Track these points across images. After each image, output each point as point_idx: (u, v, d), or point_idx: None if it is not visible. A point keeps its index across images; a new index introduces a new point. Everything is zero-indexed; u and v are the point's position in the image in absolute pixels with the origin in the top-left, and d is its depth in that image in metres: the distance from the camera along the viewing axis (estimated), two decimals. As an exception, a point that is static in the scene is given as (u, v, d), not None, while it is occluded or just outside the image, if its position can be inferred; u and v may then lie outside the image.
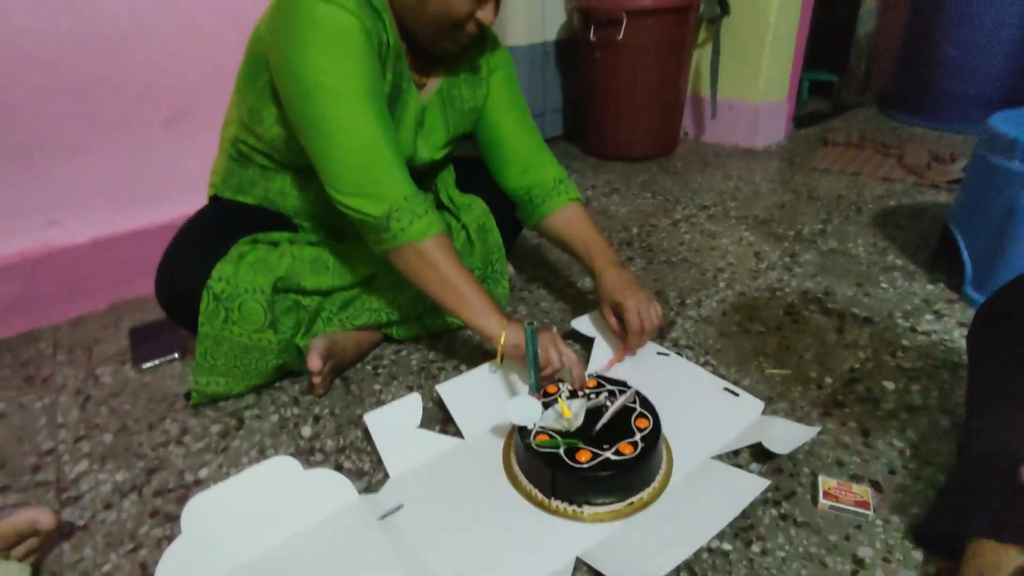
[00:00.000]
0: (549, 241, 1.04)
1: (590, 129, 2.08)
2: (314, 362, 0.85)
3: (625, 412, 0.74)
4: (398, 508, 0.69)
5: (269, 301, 0.86)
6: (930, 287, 1.12)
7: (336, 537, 0.66)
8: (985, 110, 2.00)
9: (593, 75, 1.95)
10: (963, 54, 2.10)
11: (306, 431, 0.84)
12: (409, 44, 0.87)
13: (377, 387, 0.93)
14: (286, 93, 0.79)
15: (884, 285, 1.14)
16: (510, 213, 1.09)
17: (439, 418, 0.84)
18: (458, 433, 0.80)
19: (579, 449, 0.68)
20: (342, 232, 1.00)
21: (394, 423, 0.79)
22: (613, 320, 0.91)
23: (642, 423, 0.72)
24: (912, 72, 2.32)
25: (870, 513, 0.65)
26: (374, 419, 0.78)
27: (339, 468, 0.76)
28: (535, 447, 0.69)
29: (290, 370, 0.93)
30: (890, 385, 0.86)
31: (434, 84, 0.94)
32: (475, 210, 1.06)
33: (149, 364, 1.01)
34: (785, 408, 0.83)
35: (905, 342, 0.96)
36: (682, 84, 2.00)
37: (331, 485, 0.70)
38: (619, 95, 1.92)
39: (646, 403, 0.75)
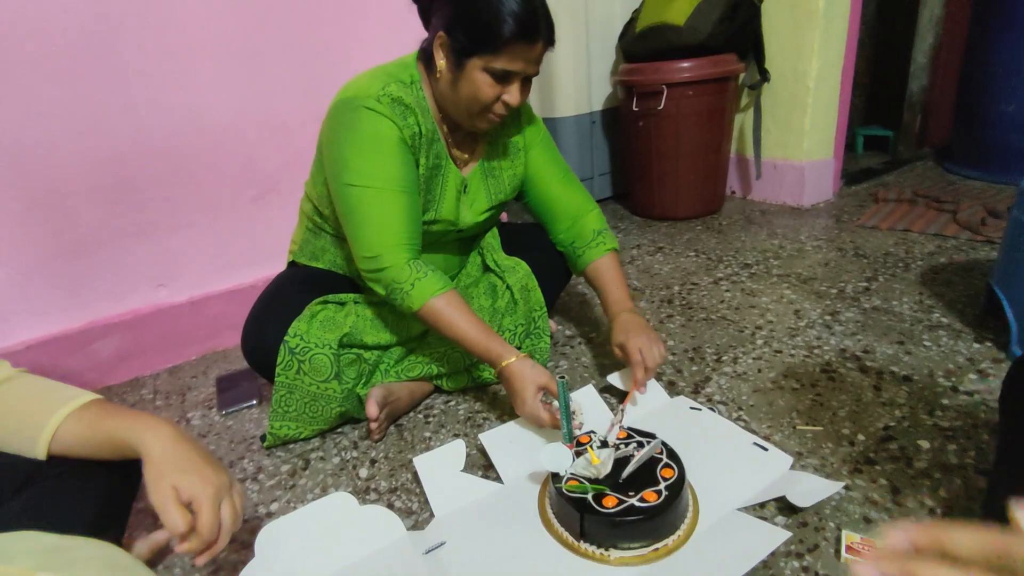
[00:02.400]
0: (590, 287, 1.14)
1: (636, 191, 2.18)
2: (372, 410, 0.96)
3: (651, 462, 0.79)
4: (441, 544, 0.76)
5: (335, 355, 0.98)
6: (976, 346, 1.11)
7: (386, 567, 0.73)
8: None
9: (637, 142, 2.06)
10: (1017, 108, 2.08)
11: (363, 472, 0.93)
12: (450, 127, 1.01)
13: (427, 434, 1.02)
14: (329, 187, 0.95)
15: (928, 343, 1.14)
16: (553, 272, 1.19)
17: (481, 464, 0.92)
18: (498, 479, 0.87)
19: (606, 495, 0.74)
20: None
21: (440, 467, 0.87)
22: (620, 355, 1.00)
23: (667, 473, 0.77)
24: (967, 126, 2.30)
25: (892, 568, 0.66)
26: (422, 463, 0.87)
27: (390, 506, 0.85)
28: (566, 492, 0.75)
29: (351, 417, 1.04)
30: (925, 444, 0.87)
31: (476, 159, 1.07)
32: (519, 272, 1.16)
33: (231, 409, 1.15)
34: (815, 464, 0.85)
35: (945, 401, 0.96)
36: (724, 147, 2.07)
37: (383, 520, 0.78)
38: (662, 159, 2.02)
39: (672, 454, 0.80)
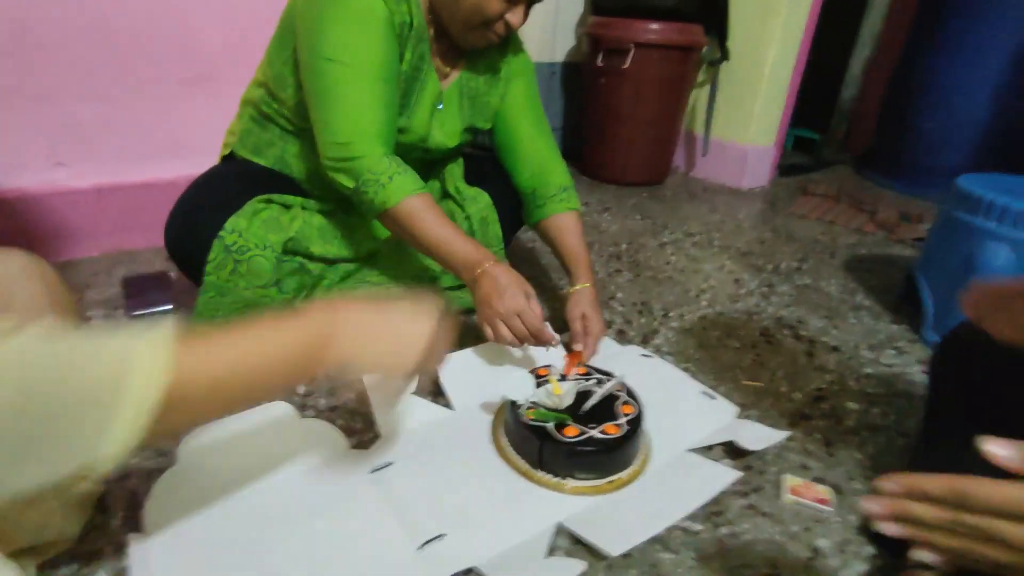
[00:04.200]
0: (542, 240, 1.08)
1: (588, 151, 2.16)
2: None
3: (611, 399, 0.78)
4: (388, 464, 0.71)
5: (277, 259, 0.88)
6: (893, 327, 1.20)
7: (327, 482, 0.67)
8: (951, 180, 2.15)
9: (596, 100, 2.03)
10: (935, 127, 2.26)
11: (300, 388, 0.85)
12: (437, 32, 0.92)
13: (370, 357, 0.95)
14: (301, 61, 0.84)
15: (852, 320, 1.22)
16: (512, 210, 1.14)
17: (430, 391, 0.87)
18: (448, 406, 0.83)
19: (567, 425, 0.72)
20: (349, 205, 1.03)
21: (388, 388, 0.81)
22: (578, 325, 0.93)
23: (627, 409, 0.76)
24: (888, 138, 2.48)
25: (830, 509, 0.70)
26: (369, 381, 0.81)
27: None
28: (525, 419, 0.73)
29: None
30: (853, 405, 0.93)
31: (455, 75, 0.99)
32: (479, 203, 1.11)
33: (142, 312, 1.01)
34: (757, 416, 0.88)
35: (868, 370, 1.03)
36: (679, 119, 2.10)
37: (325, 435, 0.72)
38: (619, 121, 2.01)
39: (631, 393, 0.80)
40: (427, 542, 0.61)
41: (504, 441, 0.76)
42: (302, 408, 0.81)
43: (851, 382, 0.99)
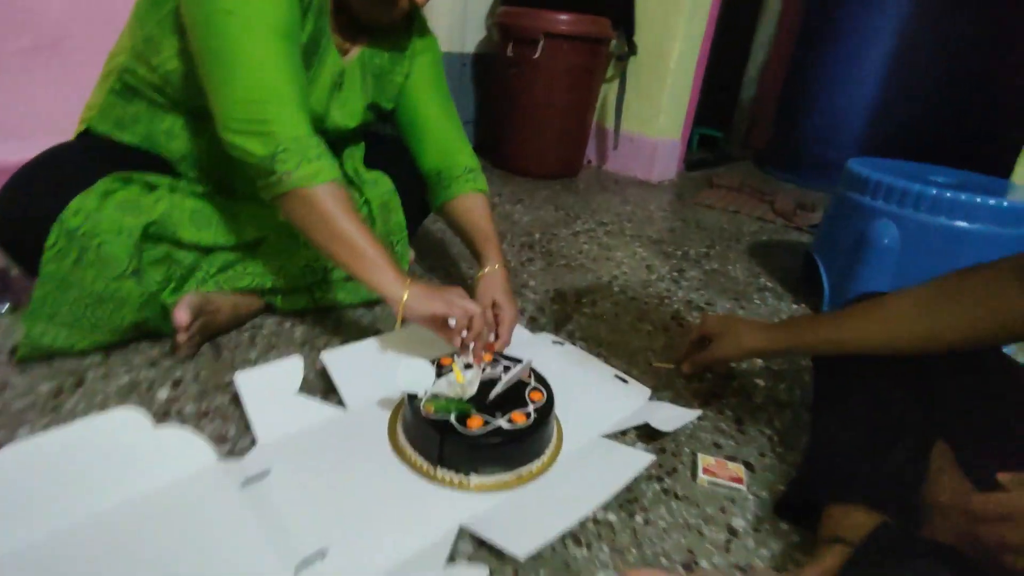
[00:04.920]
0: (448, 225, 1.02)
1: (500, 143, 2.12)
2: (181, 315, 0.76)
3: (519, 386, 0.72)
4: (264, 473, 0.62)
5: (136, 247, 0.76)
6: (795, 306, 1.24)
7: (186, 502, 0.57)
8: (840, 172, 2.28)
9: (507, 91, 1.99)
10: (825, 124, 2.41)
11: (162, 394, 0.73)
12: (337, 5, 0.83)
13: (253, 355, 0.84)
14: (191, 18, 0.72)
15: (757, 301, 1.24)
16: (417, 196, 1.06)
17: (320, 388, 0.78)
18: (340, 404, 0.74)
19: (470, 416, 0.66)
20: (232, 188, 0.92)
21: (269, 386, 0.72)
22: (490, 314, 0.86)
23: (536, 396, 0.71)
24: (783, 135, 2.62)
25: (743, 488, 0.68)
26: (246, 379, 0.70)
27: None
28: (424, 412, 0.65)
29: (150, 330, 0.82)
30: (760, 382, 0.93)
31: (355, 51, 0.91)
32: (380, 187, 1.02)
33: (-34, 314, 0.85)
34: (670, 396, 0.86)
35: (774, 349, 1.04)
36: (590, 112, 2.10)
37: (185, 446, 0.61)
38: (531, 113, 1.98)
39: (540, 378, 0.75)
40: (305, 561, 0.52)
41: (402, 439, 0.68)
42: (163, 415, 0.70)
43: (759, 360, 1.00)
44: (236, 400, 0.71)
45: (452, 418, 0.65)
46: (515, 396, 0.70)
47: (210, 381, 0.77)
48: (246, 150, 0.71)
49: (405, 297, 0.73)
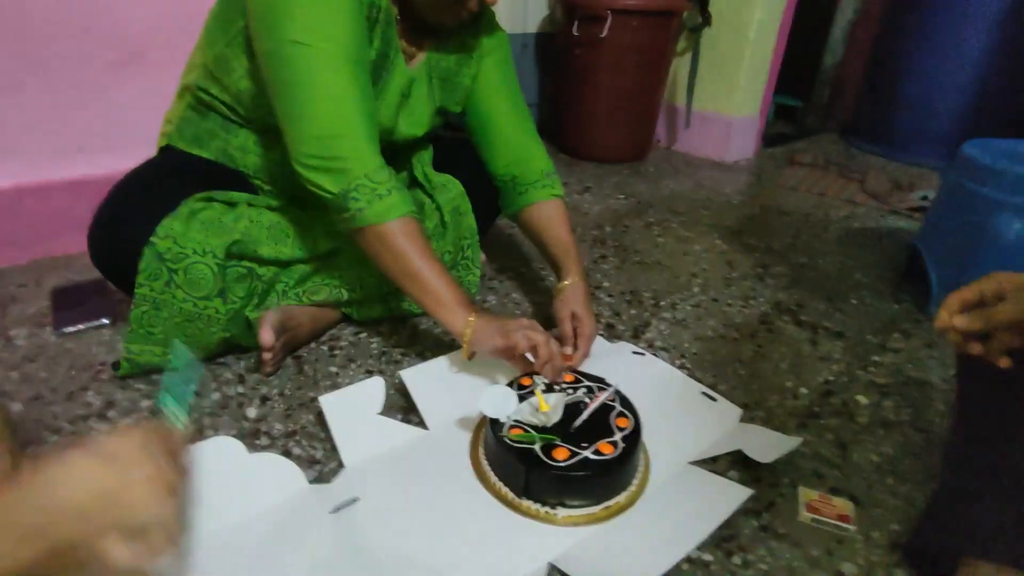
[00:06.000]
0: (523, 231, 0.99)
1: (565, 127, 2.05)
2: (266, 336, 0.77)
3: (604, 410, 0.69)
4: (353, 501, 0.62)
5: (220, 266, 0.77)
6: (896, 307, 1.13)
7: (280, 529, 0.58)
8: (939, 146, 2.08)
9: (572, 72, 1.91)
10: (922, 91, 2.19)
11: (251, 412, 0.75)
12: (402, 10, 0.81)
13: (333, 369, 0.85)
14: (261, 47, 0.71)
15: (854, 302, 1.14)
16: (487, 199, 1.04)
17: (401, 406, 0.78)
18: (422, 424, 0.74)
19: (556, 446, 0.63)
20: (305, 200, 0.92)
21: (352, 408, 0.72)
22: (568, 326, 0.85)
23: (622, 422, 0.68)
24: (873, 104, 2.40)
25: (852, 528, 0.63)
26: (330, 403, 0.71)
27: (287, 454, 0.68)
28: (509, 441, 0.64)
29: (237, 345, 0.84)
30: (863, 399, 0.85)
31: (421, 56, 0.88)
32: (451, 191, 1.00)
33: (72, 328, 0.90)
34: (762, 416, 0.81)
35: (876, 357, 0.96)
36: (660, 89, 1.99)
37: (278, 472, 0.62)
38: (597, 94, 1.89)
39: (626, 402, 0.71)
40: (398, 599, 0.52)
41: (485, 465, 0.67)
42: (254, 435, 0.71)
43: (859, 372, 0.92)
44: (322, 418, 0.72)
45: (537, 448, 0.63)
46: (600, 422, 0.68)
47: (295, 398, 0.78)
48: (319, 185, 0.71)
49: (468, 334, 0.71)
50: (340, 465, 0.67)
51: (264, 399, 0.78)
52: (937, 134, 2.16)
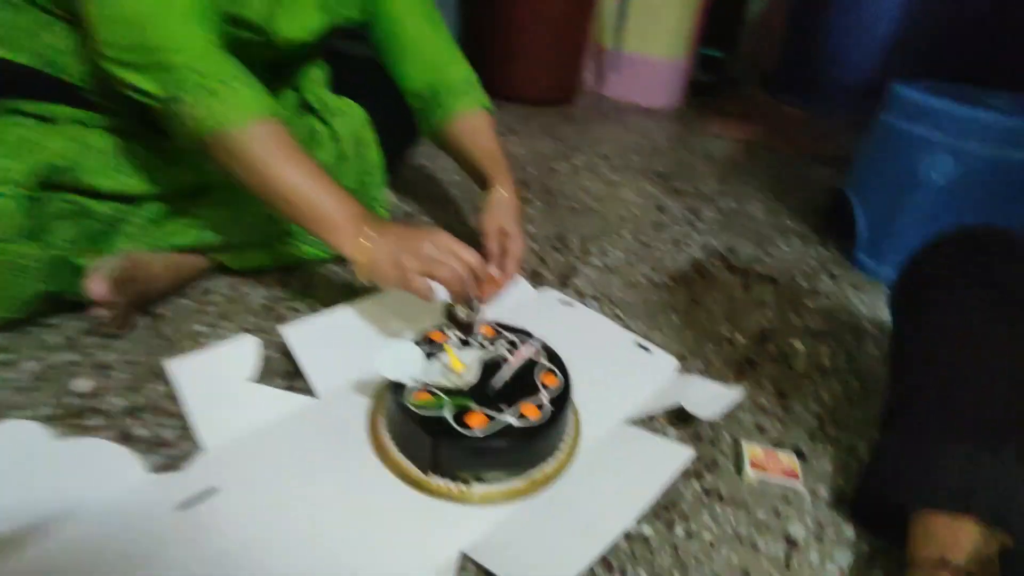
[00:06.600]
0: (444, 149, 0.85)
1: (486, 65, 1.86)
2: (96, 287, 0.60)
3: (528, 366, 0.59)
4: (210, 493, 0.48)
5: (28, 198, 0.59)
6: (823, 251, 1.11)
7: (102, 536, 0.44)
8: (857, 98, 2.10)
9: (496, 8, 1.75)
10: (841, 44, 2.19)
11: (81, 385, 0.59)
12: None
13: (200, 328, 0.69)
14: None
15: (783, 246, 1.10)
16: (398, 128, 0.90)
17: (285, 371, 0.64)
18: (308, 391, 0.61)
19: (470, 411, 0.52)
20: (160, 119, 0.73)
21: (216, 374, 0.57)
22: (494, 244, 0.74)
23: (549, 380, 0.58)
24: (795, 56, 2.40)
25: (798, 483, 0.57)
26: (184, 368, 0.56)
27: (125, 437, 0.53)
28: (413, 408, 0.52)
29: (70, 300, 0.66)
30: (799, 345, 0.80)
31: None
32: (351, 118, 0.85)
33: None
34: (699, 367, 0.74)
35: (808, 302, 0.92)
36: (587, 25, 1.87)
37: (102, 460, 0.47)
38: (523, 30, 1.74)
39: (554, 356, 0.61)
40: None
41: (386, 438, 0.55)
42: (80, 414, 0.55)
43: (793, 316, 0.87)
44: (171, 391, 0.57)
45: (447, 414, 0.52)
46: (523, 381, 0.57)
47: (144, 365, 0.62)
48: (138, 88, 0.55)
49: (361, 259, 0.58)
50: (197, 449, 0.53)
51: (101, 368, 0.61)
52: (854, 87, 2.18)
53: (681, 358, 0.73)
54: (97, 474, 0.47)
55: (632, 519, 0.50)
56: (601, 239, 1.04)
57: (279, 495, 0.49)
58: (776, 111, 2.18)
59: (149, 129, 0.72)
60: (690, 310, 0.85)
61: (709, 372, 0.73)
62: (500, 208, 0.75)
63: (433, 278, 0.57)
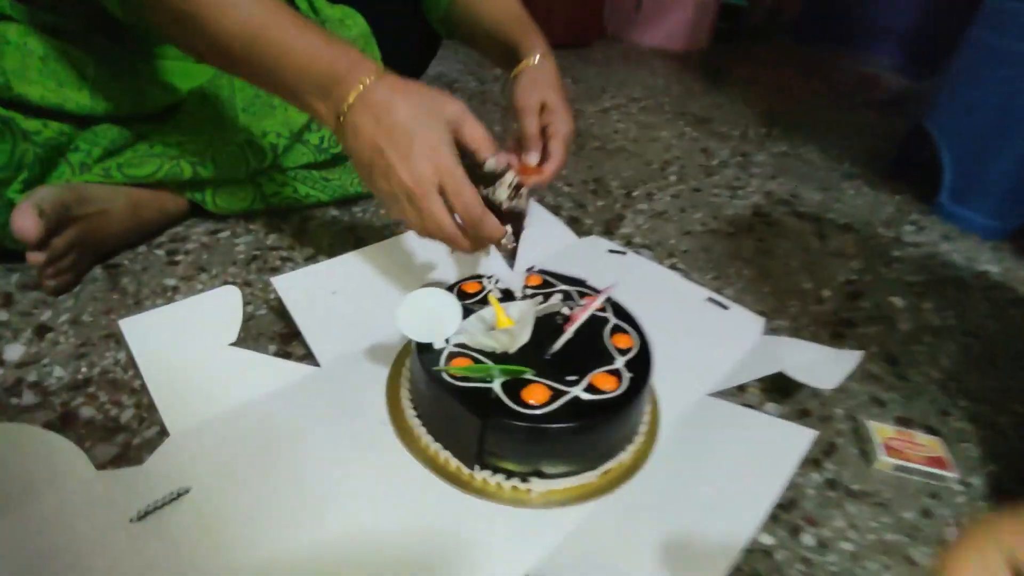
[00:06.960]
0: (459, 33, 0.68)
1: None
2: (25, 224, 0.46)
3: (594, 324, 0.45)
4: (177, 495, 0.35)
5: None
6: (898, 197, 0.96)
7: (35, 555, 0.31)
8: (890, 41, 1.93)
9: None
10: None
11: (13, 352, 0.45)
12: None
13: (171, 282, 0.56)
14: None
15: (851, 192, 0.96)
16: (406, 41, 0.75)
17: (276, 333, 0.50)
18: (309, 358, 0.47)
19: (528, 382, 0.39)
20: (117, 26, 0.58)
21: (186, 336, 0.44)
22: (534, 122, 0.55)
23: (622, 341, 0.44)
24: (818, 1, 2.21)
25: (950, 474, 0.44)
26: (144, 329, 0.42)
27: (69, 420, 0.40)
28: (451, 379, 0.39)
29: (6, 249, 0.53)
30: (899, 302, 0.67)
31: None
32: (350, 30, 0.70)
33: None
34: (786, 327, 0.60)
35: (896, 252, 0.78)
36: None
37: (37, 453, 0.34)
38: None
39: (623, 312, 0.48)
40: None
41: (413, 421, 0.42)
42: (10, 390, 0.42)
43: (883, 268, 0.74)
44: (130, 360, 0.44)
45: (497, 387, 0.38)
46: (590, 343, 0.44)
47: (97, 327, 0.48)
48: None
49: (368, 81, 0.41)
50: (162, 433, 0.40)
51: (42, 330, 0.48)
52: (887, 28, 2.00)
53: (762, 315, 0.60)
54: (29, 472, 0.34)
55: (755, 525, 0.37)
56: (646, 183, 0.89)
57: (270, 498, 0.36)
58: (808, 57, 2.00)
59: (107, 36, 0.58)
60: (761, 261, 0.72)
61: (799, 334, 0.59)
62: (539, 76, 0.57)
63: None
